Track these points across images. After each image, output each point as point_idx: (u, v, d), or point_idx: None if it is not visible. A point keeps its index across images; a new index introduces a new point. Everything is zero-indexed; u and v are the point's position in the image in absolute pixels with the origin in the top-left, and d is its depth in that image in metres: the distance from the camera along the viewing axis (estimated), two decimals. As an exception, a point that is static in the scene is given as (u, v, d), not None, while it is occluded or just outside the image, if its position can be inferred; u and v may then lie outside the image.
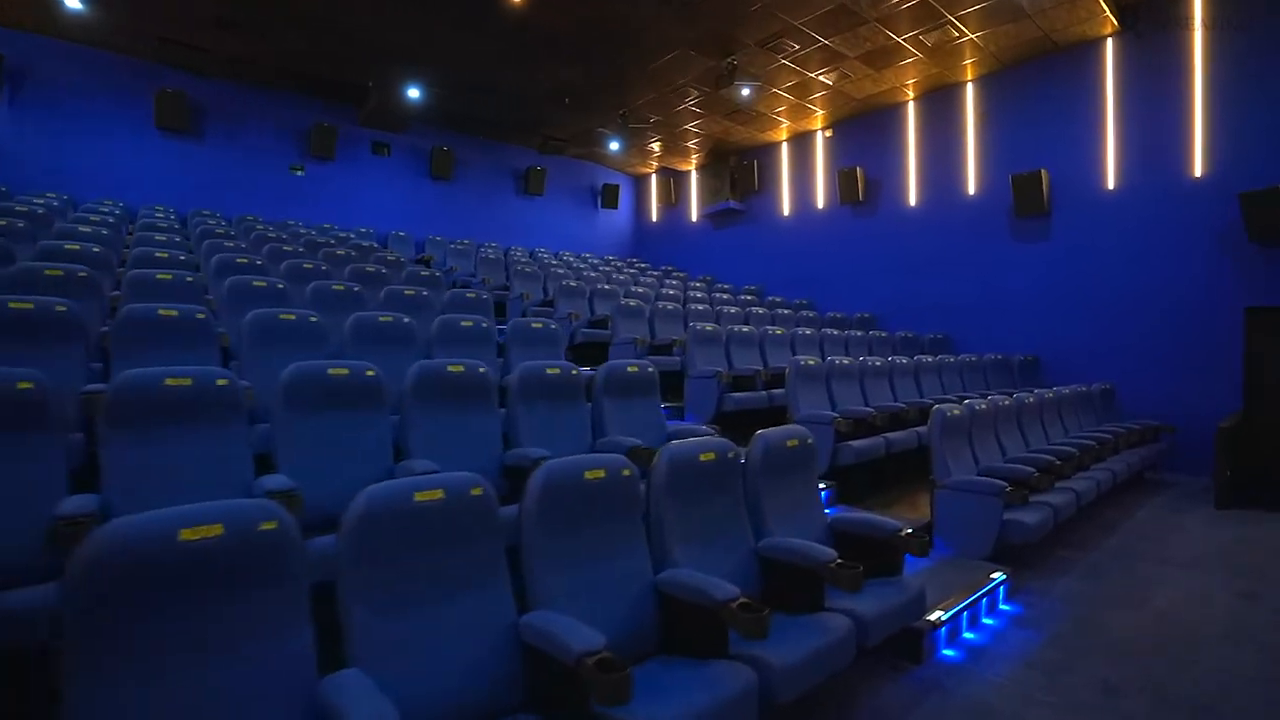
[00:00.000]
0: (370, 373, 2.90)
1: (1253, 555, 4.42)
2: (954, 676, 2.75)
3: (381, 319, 4.04)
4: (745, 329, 6.37)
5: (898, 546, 2.70)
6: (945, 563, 3.72)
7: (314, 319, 3.81)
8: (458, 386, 3.14)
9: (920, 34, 7.66)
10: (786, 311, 8.99)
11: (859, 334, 7.83)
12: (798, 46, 8.06)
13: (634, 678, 1.62)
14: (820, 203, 10.92)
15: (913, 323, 9.25)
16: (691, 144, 11.94)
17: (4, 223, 5.31)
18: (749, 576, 2.55)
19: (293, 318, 3.74)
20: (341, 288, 4.95)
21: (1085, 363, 7.76)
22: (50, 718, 1.32)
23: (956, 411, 4.28)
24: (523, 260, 9.82)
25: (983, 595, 3.30)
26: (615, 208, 13.83)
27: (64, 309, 3.12)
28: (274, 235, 7.42)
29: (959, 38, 7.73)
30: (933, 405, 4.33)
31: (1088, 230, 7.81)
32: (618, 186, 13.67)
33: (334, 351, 3.92)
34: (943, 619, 2.92)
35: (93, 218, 6.62)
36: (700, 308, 7.72)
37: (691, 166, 13.24)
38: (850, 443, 4.57)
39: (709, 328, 5.97)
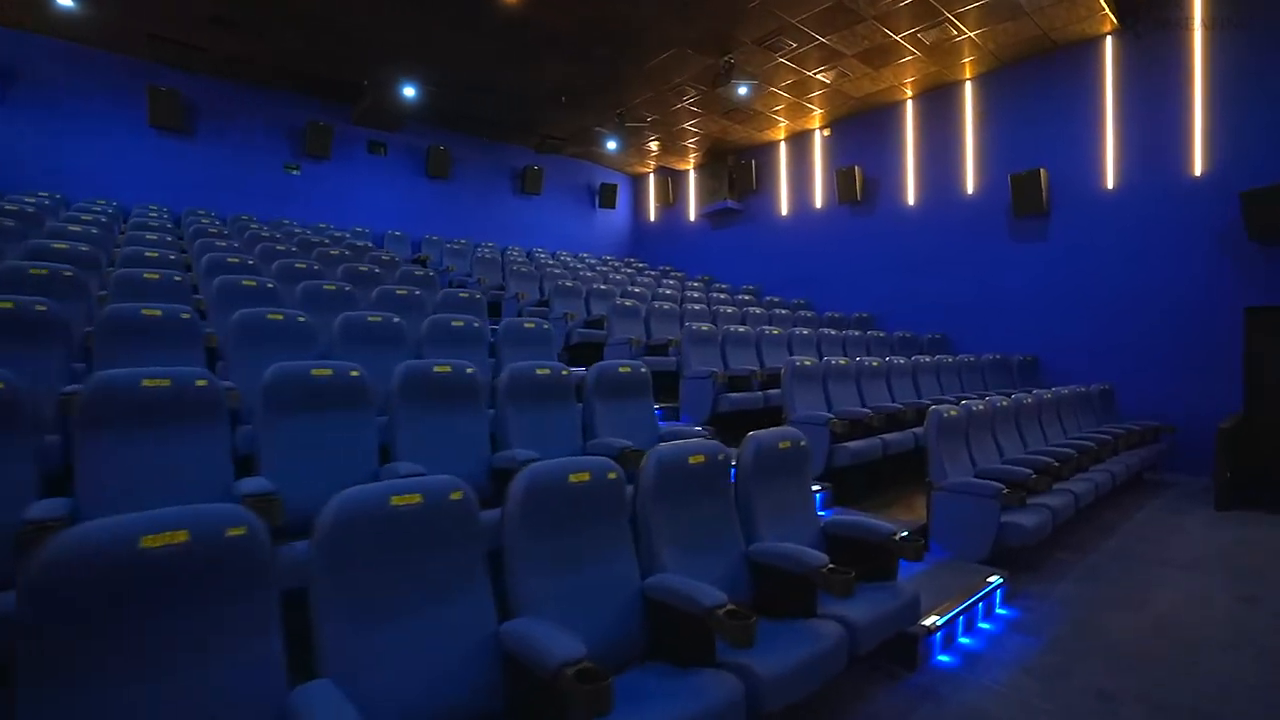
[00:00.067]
0: (355, 373, 2.85)
1: (1253, 557, 4.37)
2: (949, 683, 2.69)
3: (370, 319, 3.99)
4: (741, 329, 6.31)
5: (891, 551, 2.65)
6: (942, 566, 3.66)
7: (302, 319, 3.76)
8: (445, 387, 3.09)
9: (918, 32, 7.61)
10: (784, 311, 8.94)
11: (857, 334, 7.78)
12: (795, 45, 8.01)
13: (614, 688, 1.57)
14: (818, 202, 10.87)
15: (911, 323, 9.20)
16: (689, 143, 11.89)
17: (-7, 222, 5.27)
18: (739, 582, 2.50)
19: (280, 317, 3.69)
20: (333, 287, 4.90)
21: (1084, 363, 7.71)
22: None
23: (953, 412, 4.23)
24: (519, 260, 9.77)
25: (979, 599, 3.24)
26: (613, 207, 13.79)
27: (44, 308, 3.07)
28: (267, 235, 7.38)
29: (957, 36, 7.68)
30: (930, 406, 4.28)
31: (1087, 230, 7.76)
32: (615, 186, 13.62)
33: (323, 352, 3.87)
34: (938, 624, 2.87)
35: (84, 217, 6.56)
36: (697, 308, 7.67)
37: (689, 166, 13.19)
38: (846, 444, 4.52)
39: (704, 328, 5.92)
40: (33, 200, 6.99)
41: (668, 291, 9.04)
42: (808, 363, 5.08)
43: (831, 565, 2.31)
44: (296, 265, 5.64)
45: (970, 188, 8.88)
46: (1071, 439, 5.46)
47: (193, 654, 1.42)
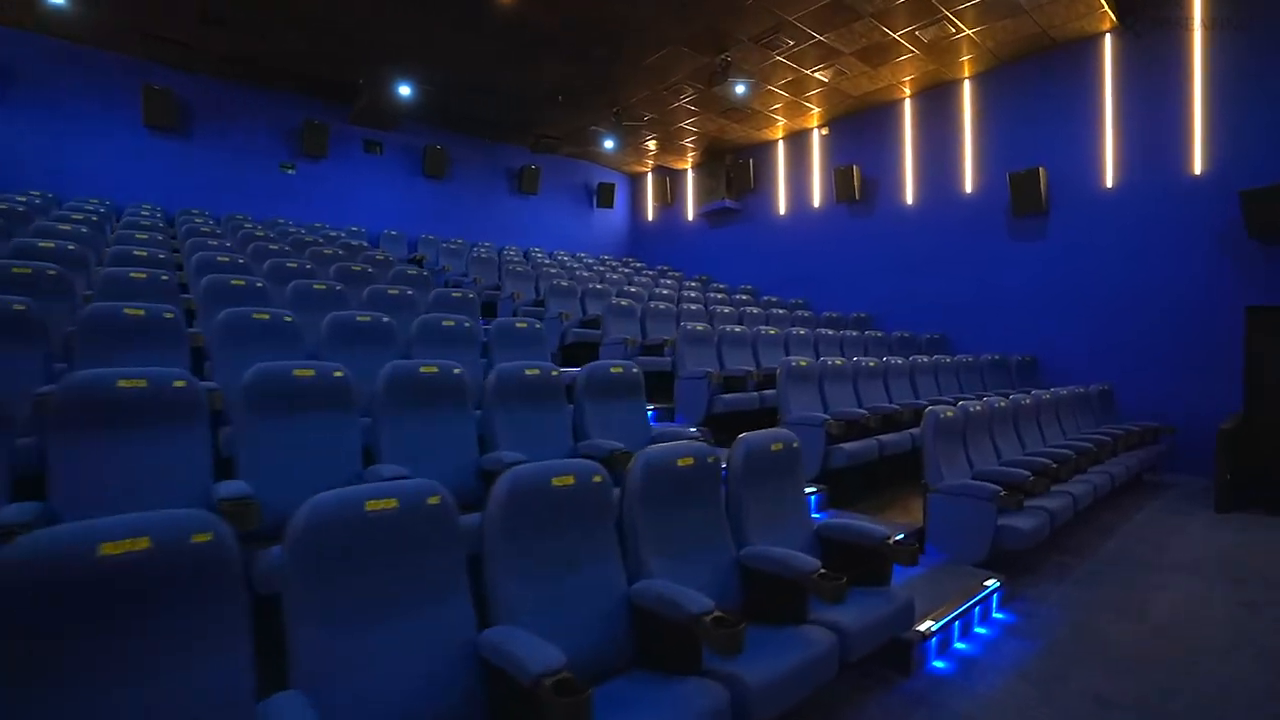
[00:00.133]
0: (338, 374, 2.79)
1: (1253, 560, 4.31)
2: (943, 690, 2.64)
3: (359, 318, 3.93)
4: (737, 329, 6.26)
5: (885, 555, 2.60)
6: (938, 569, 3.61)
7: (289, 318, 3.71)
8: (431, 388, 3.04)
9: (916, 30, 7.55)
10: (781, 311, 8.89)
11: (854, 334, 7.73)
12: (793, 43, 7.95)
13: (594, 700, 1.52)
14: (816, 201, 10.82)
15: (909, 323, 9.15)
16: (687, 142, 11.84)
17: (-20, 220, 5.22)
18: (729, 587, 2.44)
19: (266, 317, 3.64)
20: (323, 286, 4.85)
21: (1083, 363, 7.66)
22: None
23: (950, 413, 4.18)
24: (515, 260, 9.72)
25: (975, 604, 3.19)
26: (611, 207, 13.73)
27: (22, 308, 3.01)
28: (261, 234, 7.32)
29: (955, 34, 7.63)
30: (926, 407, 4.22)
31: (1086, 229, 7.70)
32: (613, 185, 13.56)
33: (311, 352, 3.82)
34: (933, 629, 2.82)
35: (75, 216, 6.51)
36: (693, 307, 7.62)
37: (687, 165, 13.14)
38: (842, 445, 4.46)
39: (699, 327, 5.87)
40: (24, 199, 6.94)
41: (664, 291, 8.99)
42: (803, 363, 5.03)
43: (823, 570, 2.25)
44: (288, 265, 5.59)
45: (969, 187, 8.82)
46: (1070, 440, 5.40)
47: (151, 667, 1.36)
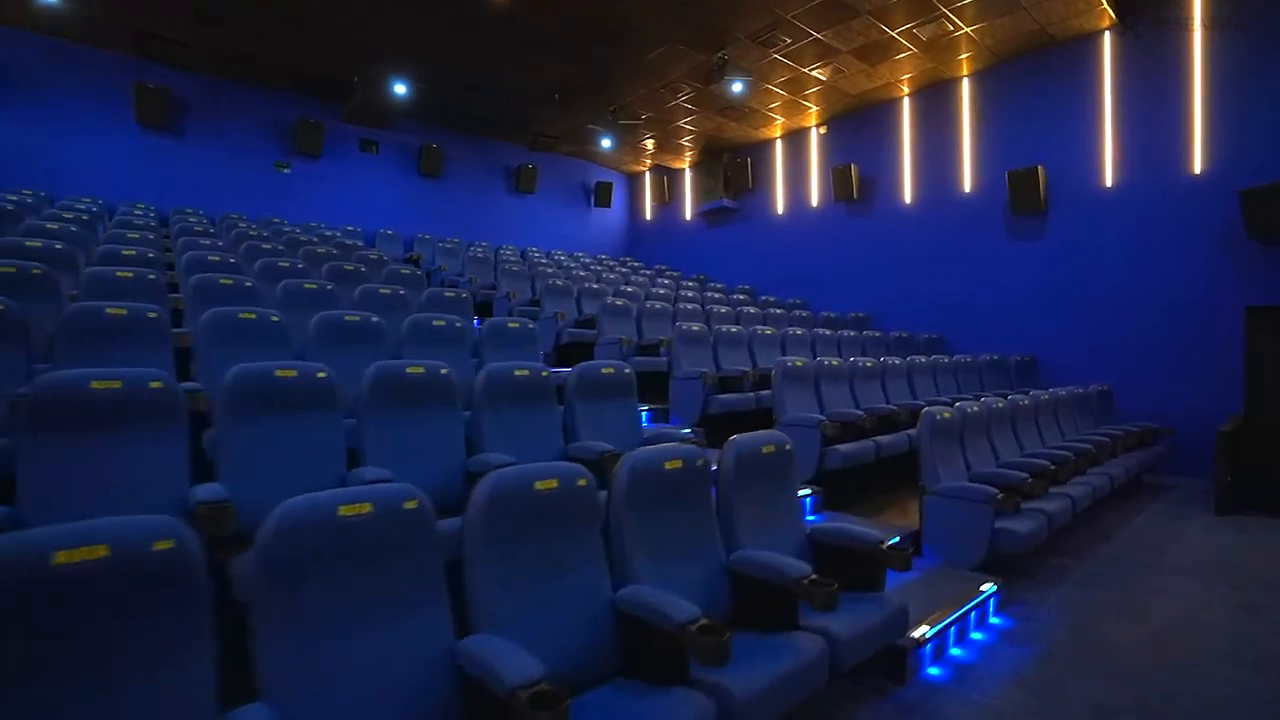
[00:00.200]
0: (321, 374, 2.74)
1: (1253, 563, 4.26)
2: (938, 698, 2.59)
3: (348, 318, 3.88)
4: (734, 329, 6.21)
5: (878, 560, 2.54)
6: (934, 572, 3.56)
7: (275, 318, 3.65)
8: (418, 389, 2.98)
9: (914, 27, 7.50)
10: (779, 311, 8.84)
11: (852, 334, 7.67)
12: (790, 40, 7.90)
13: (572, 712, 1.47)
14: (814, 201, 10.77)
15: (908, 323, 9.09)
16: (685, 141, 11.78)
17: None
18: (719, 593, 2.39)
19: (253, 316, 3.58)
20: (314, 286, 4.78)
21: (1083, 363, 7.60)
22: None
23: (947, 414, 4.12)
24: (511, 259, 9.67)
25: (972, 608, 3.14)
26: (609, 206, 13.67)
27: (1, 307, 2.96)
28: (255, 233, 7.27)
29: (954, 31, 7.58)
30: (924, 408, 4.17)
31: (1085, 228, 7.65)
32: (611, 185, 13.50)
33: (298, 352, 3.76)
34: (927, 635, 2.76)
35: (66, 215, 6.45)
36: (690, 307, 7.57)
37: (685, 165, 13.08)
38: (838, 446, 4.41)
39: (695, 327, 5.81)
40: (15, 198, 6.88)
41: (661, 291, 8.94)
42: (799, 363, 4.97)
43: (814, 576, 2.20)
44: (280, 264, 5.53)
45: (967, 186, 8.77)
46: (1069, 441, 5.35)
47: (107, 681, 1.31)
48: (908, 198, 9.46)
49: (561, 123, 11.18)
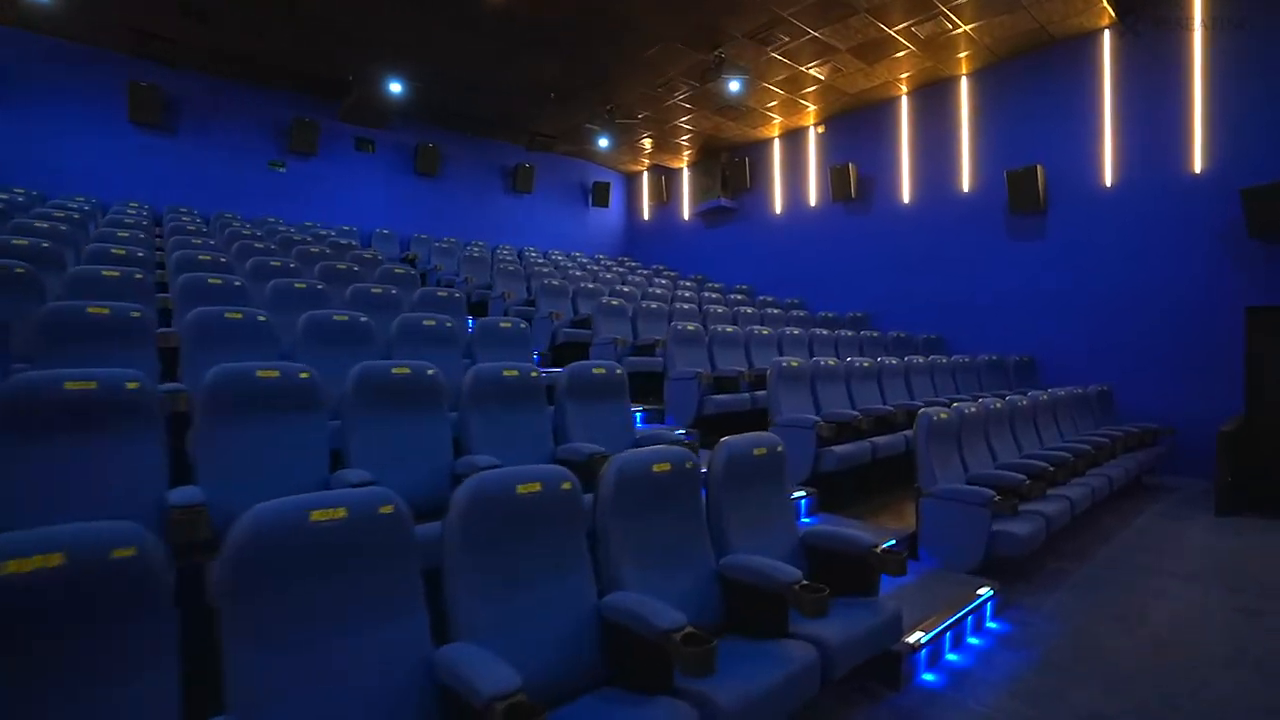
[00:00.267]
0: (304, 375, 2.68)
1: (1254, 566, 4.21)
2: (933, 705, 2.53)
3: (336, 317, 3.82)
4: (729, 329, 6.15)
5: (872, 565, 2.49)
6: (931, 576, 3.51)
7: (262, 318, 3.60)
8: (404, 390, 2.93)
9: (912, 25, 7.45)
10: (776, 311, 8.78)
11: (849, 334, 7.62)
12: (788, 39, 7.85)
13: (550, 727, 1.41)
14: (813, 200, 10.71)
15: (906, 323, 9.04)
16: (683, 140, 11.73)
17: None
18: (708, 599, 2.33)
19: (239, 316, 3.52)
20: (304, 285, 4.73)
21: (1082, 364, 7.55)
22: None
23: (944, 415, 4.07)
24: (507, 259, 9.61)
25: (968, 613, 3.08)
26: (606, 206, 13.62)
27: (-21, 306, 2.91)
28: (248, 233, 7.22)
29: (952, 30, 7.52)
30: (921, 409, 4.12)
31: (1085, 227, 7.60)
32: (609, 184, 13.45)
33: (286, 353, 3.71)
34: (923, 641, 2.71)
35: (56, 214, 6.39)
36: (686, 307, 7.51)
37: (683, 164, 13.03)
38: (833, 448, 4.36)
39: (690, 327, 5.76)
40: (5, 196, 6.83)
41: (658, 291, 8.88)
42: (795, 364, 4.92)
43: (804, 582, 2.14)
44: (272, 264, 5.48)
45: (966, 185, 8.72)
46: (1068, 442, 5.29)
47: (63, 695, 1.26)
48: (906, 197, 9.41)
49: (558, 122, 11.13)
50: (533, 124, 11.28)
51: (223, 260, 5.29)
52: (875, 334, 8.17)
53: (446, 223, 11.31)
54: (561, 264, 10.34)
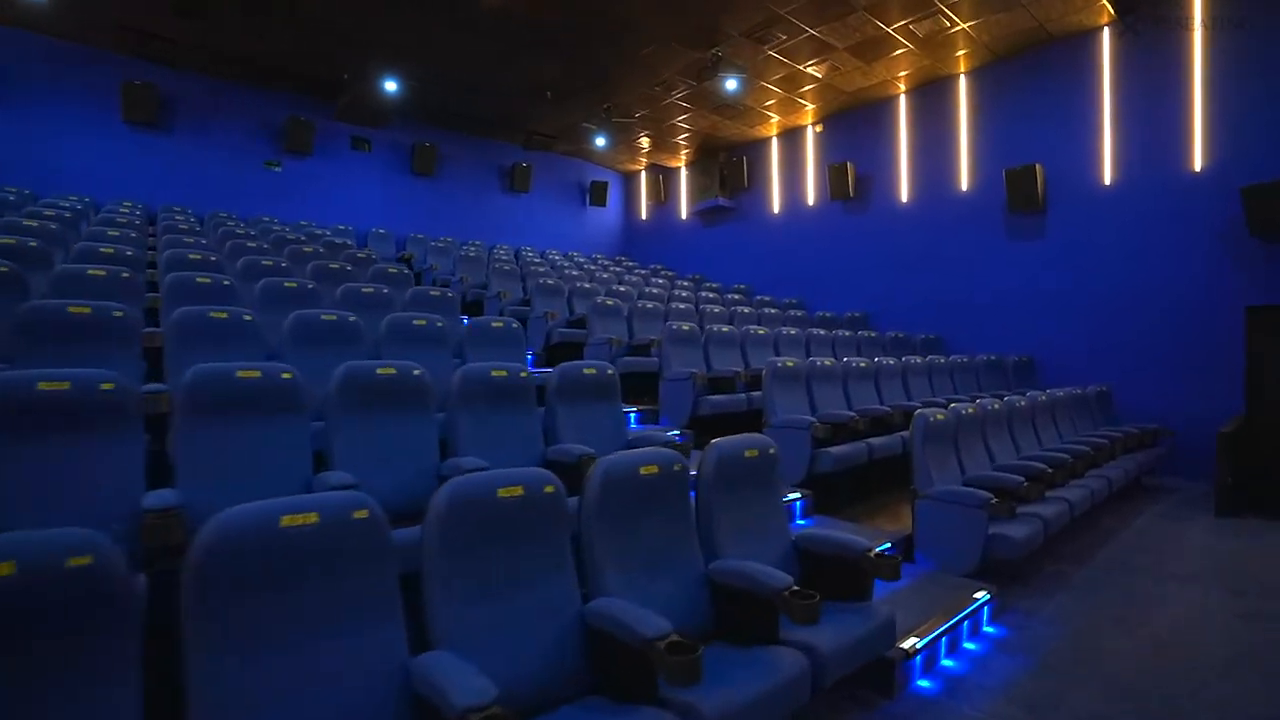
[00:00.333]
0: (286, 375, 2.63)
1: (1255, 568, 4.15)
2: (927, 712, 2.48)
3: (324, 317, 3.77)
4: (725, 329, 6.10)
5: (865, 569, 2.44)
6: (927, 579, 3.45)
7: (248, 317, 3.55)
8: (389, 391, 2.88)
9: (910, 23, 7.39)
10: (774, 311, 8.73)
11: (847, 334, 7.57)
12: (785, 37, 7.80)
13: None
14: (810, 199, 10.66)
15: (905, 322, 8.98)
16: (680, 140, 11.67)
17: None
18: (697, 604, 2.28)
19: (224, 315, 3.48)
20: (294, 285, 4.68)
21: (1081, 364, 7.50)
22: None
23: (940, 416, 4.01)
24: (503, 258, 9.56)
25: (965, 617, 3.03)
26: (604, 205, 13.56)
27: (-46, 306, 2.85)
28: (242, 232, 7.17)
29: (950, 28, 7.47)
30: (917, 409, 4.06)
31: (1084, 226, 7.55)
32: (606, 184, 13.40)
33: (272, 353, 3.66)
34: (918, 646, 2.66)
35: (47, 212, 6.34)
36: (682, 307, 7.46)
37: (681, 163, 12.97)
38: (829, 449, 4.30)
39: (686, 327, 5.71)
40: (-4, 196, 6.79)
41: (654, 290, 8.83)
42: (790, 364, 4.87)
43: (795, 588, 2.09)
44: (263, 263, 5.43)
45: (965, 184, 8.66)
46: (1067, 443, 5.24)
47: (13, 709, 1.20)
48: (904, 196, 9.36)
49: (556, 121, 11.07)
50: (530, 123, 11.22)
51: (213, 259, 5.24)
52: (873, 334, 8.12)
53: (443, 222, 11.26)
54: (558, 264, 10.29)
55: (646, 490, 2.26)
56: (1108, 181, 7.39)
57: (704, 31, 7.78)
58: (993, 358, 7.59)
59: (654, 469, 2.28)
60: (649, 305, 6.90)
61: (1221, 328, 6.46)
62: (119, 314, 3.22)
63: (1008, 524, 3.59)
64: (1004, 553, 3.48)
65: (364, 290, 4.95)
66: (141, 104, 8.52)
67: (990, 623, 3.24)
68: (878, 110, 9.58)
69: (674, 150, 12.30)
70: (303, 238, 7.62)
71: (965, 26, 7.45)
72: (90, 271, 3.97)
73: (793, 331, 6.72)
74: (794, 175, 10.89)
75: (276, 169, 9.87)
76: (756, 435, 2.77)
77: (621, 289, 8.14)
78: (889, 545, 3.62)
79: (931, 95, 8.98)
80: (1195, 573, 4.07)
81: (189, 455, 2.39)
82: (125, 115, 8.52)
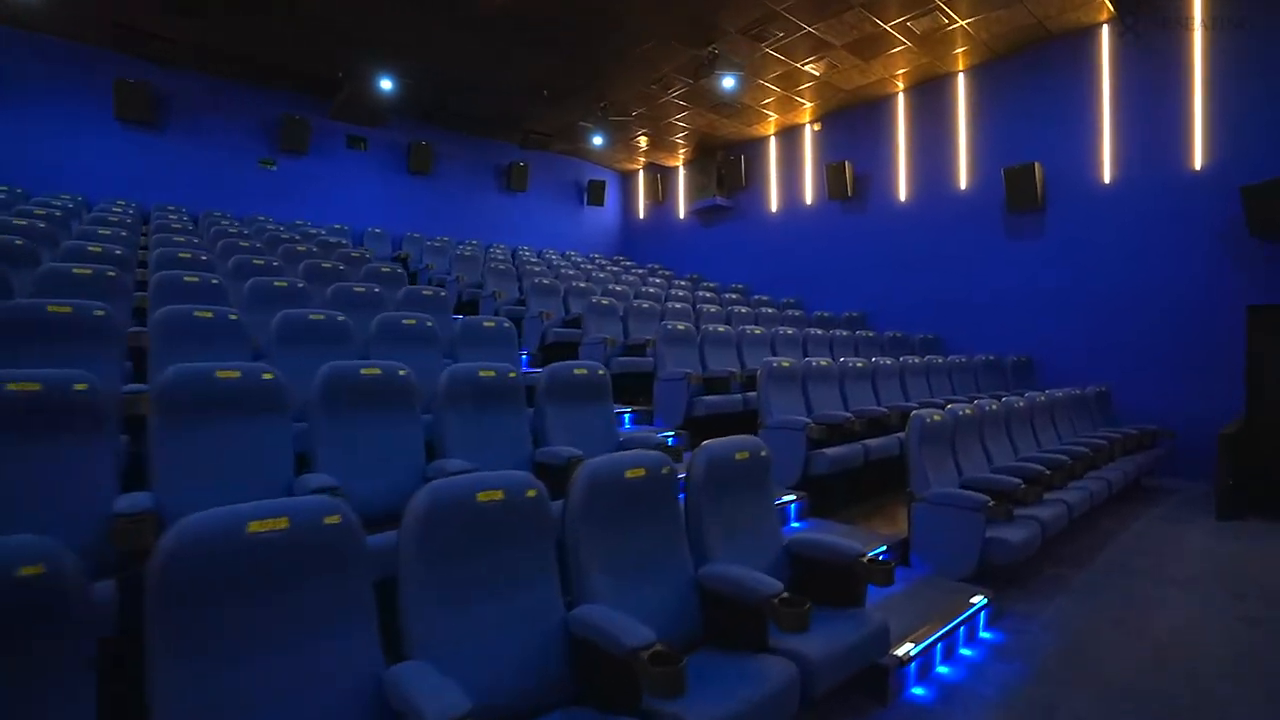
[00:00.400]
0: (268, 375, 2.58)
1: (1255, 571, 4.10)
2: (922, 721, 2.43)
3: (312, 316, 3.71)
4: (721, 329, 6.04)
5: (858, 574, 2.38)
6: (921, 584, 3.40)
7: (234, 316, 3.50)
8: (374, 391, 2.82)
9: (908, 20, 7.34)
10: (771, 311, 8.68)
11: (844, 334, 7.51)
12: (782, 34, 7.74)
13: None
14: (808, 198, 10.60)
15: (903, 322, 8.93)
16: (678, 138, 11.62)
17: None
18: (685, 610, 2.23)
19: (209, 315, 3.41)
20: (284, 284, 4.62)
21: (1081, 364, 7.44)
22: None
23: (937, 417, 3.96)
24: (499, 258, 9.50)
25: (961, 623, 2.97)
26: (602, 205, 13.50)
27: (-67, 305, 2.80)
28: (235, 231, 7.11)
29: (949, 25, 7.41)
30: (914, 410, 4.01)
31: (1083, 225, 7.49)
32: (604, 183, 13.34)
33: (259, 353, 3.61)
34: (912, 653, 2.60)
35: (37, 211, 6.29)
36: (679, 306, 7.40)
37: (679, 162, 12.92)
38: (824, 450, 4.25)
39: (681, 327, 5.65)
40: (-12, 195, 6.73)
41: (651, 290, 8.77)
42: (785, 364, 4.81)
43: (784, 594, 2.04)
44: (254, 262, 5.38)
45: (963, 183, 8.61)
46: (1065, 444, 5.19)
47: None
48: (903, 195, 9.30)
49: (553, 120, 11.02)
50: (527, 122, 11.17)
51: (204, 258, 5.18)
52: (871, 334, 8.07)
53: (440, 222, 11.21)
54: (555, 263, 10.24)
55: (633, 494, 2.21)
56: (1107, 180, 7.34)
57: (700, 29, 7.73)
58: (991, 358, 7.53)
59: (640, 472, 2.22)
60: (644, 305, 6.84)
61: (1222, 327, 6.41)
62: (100, 313, 3.16)
63: (1005, 527, 3.53)
64: (1001, 556, 3.42)
65: (356, 289, 4.90)
66: (135, 102, 8.46)
67: (987, 628, 3.19)
68: (876, 109, 9.52)
69: (672, 149, 12.25)
70: (297, 237, 7.57)
71: (964, 24, 7.39)
72: (76, 270, 3.92)
73: (789, 331, 6.67)
74: (792, 174, 10.84)
75: (271, 168, 9.81)
76: (748, 437, 2.72)
77: (618, 289, 8.09)
78: (884, 549, 3.58)
79: (930, 93, 8.93)
80: (1195, 576, 4.02)
81: (166, 457, 2.33)
82: (118, 113, 8.46)
